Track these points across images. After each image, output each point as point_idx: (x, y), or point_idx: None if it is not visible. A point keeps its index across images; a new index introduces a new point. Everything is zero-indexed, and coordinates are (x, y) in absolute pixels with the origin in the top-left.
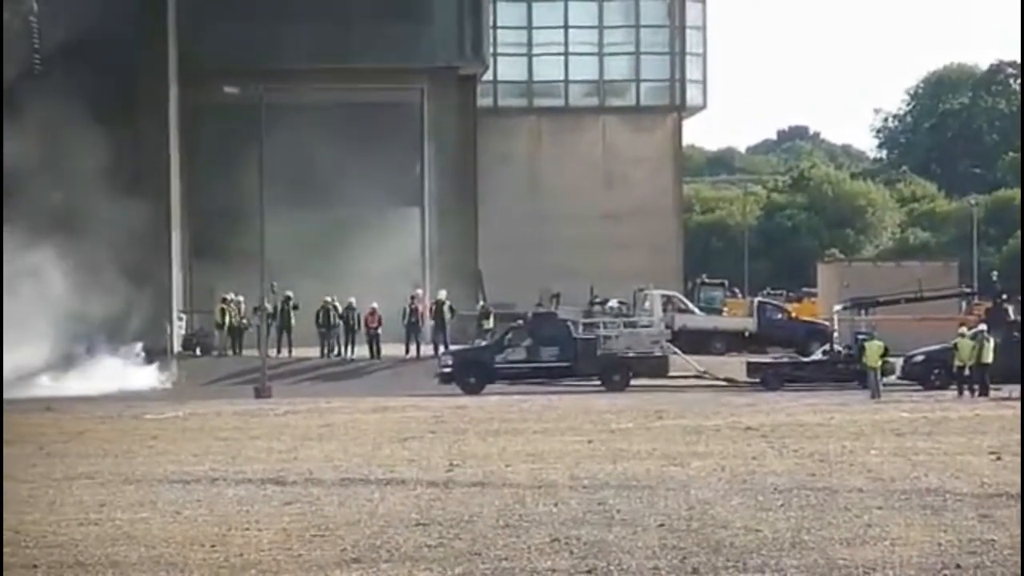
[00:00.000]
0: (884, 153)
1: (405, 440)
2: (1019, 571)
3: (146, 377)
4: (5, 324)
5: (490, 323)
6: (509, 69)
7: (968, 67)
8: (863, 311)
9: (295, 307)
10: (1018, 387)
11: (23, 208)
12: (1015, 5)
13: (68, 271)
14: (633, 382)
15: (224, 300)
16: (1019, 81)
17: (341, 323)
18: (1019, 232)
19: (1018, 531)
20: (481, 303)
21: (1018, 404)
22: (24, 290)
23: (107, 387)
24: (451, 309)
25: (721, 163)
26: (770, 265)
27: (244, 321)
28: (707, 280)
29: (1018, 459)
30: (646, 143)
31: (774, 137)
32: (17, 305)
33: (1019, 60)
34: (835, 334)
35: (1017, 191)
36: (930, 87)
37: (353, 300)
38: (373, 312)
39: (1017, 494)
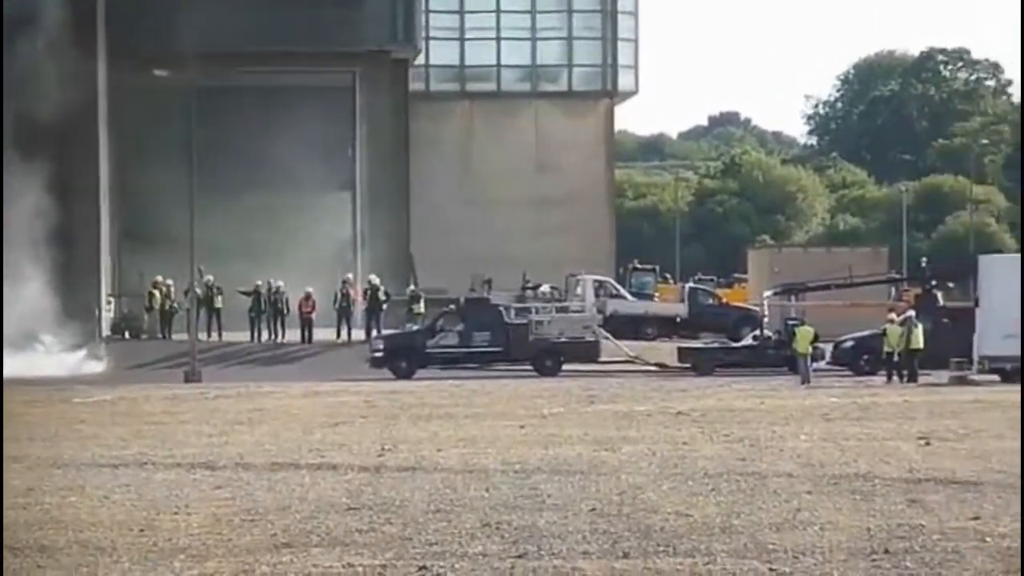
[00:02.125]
0: (815, 140)
1: (336, 425)
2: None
3: (75, 361)
4: None
5: (420, 307)
6: (441, 53)
7: (899, 54)
8: (793, 297)
9: (219, 292)
10: (946, 372)
11: None
12: None
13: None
14: (565, 367)
15: (154, 284)
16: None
17: (271, 307)
18: (948, 218)
19: (947, 516)
20: (411, 287)
21: (946, 390)
22: None
23: (36, 371)
24: (386, 293)
25: (653, 149)
26: (701, 251)
27: (174, 305)
28: (638, 266)
29: (947, 445)
30: (578, 128)
31: (705, 123)
32: None
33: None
34: (765, 320)
35: (946, 177)
36: (861, 74)
37: (281, 284)
38: (307, 297)
39: (946, 479)
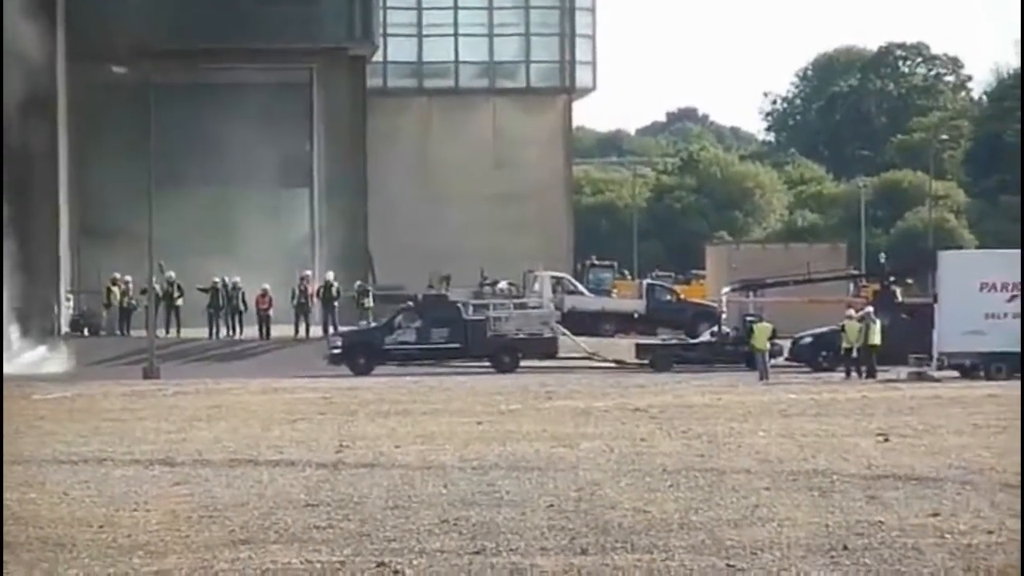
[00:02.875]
0: (773, 136)
1: (294, 421)
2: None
3: (34, 357)
4: None
5: (370, 302)
6: (399, 50)
7: (857, 49)
8: (751, 293)
9: (180, 289)
10: (904, 368)
11: None
12: None
13: None
14: (523, 364)
15: (112, 280)
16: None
17: (228, 304)
18: (907, 215)
19: (906, 513)
20: (358, 282)
21: (905, 386)
22: None
23: None
24: (337, 291)
25: (611, 145)
26: (659, 247)
27: (132, 301)
28: (596, 262)
29: (905, 441)
30: (536, 124)
31: (663, 119)
32: None
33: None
34: (723, 316)
35: (905, 173)
36: (819, 69)
37: (238, 280)
38: (264, 293)
39: (905, 475)
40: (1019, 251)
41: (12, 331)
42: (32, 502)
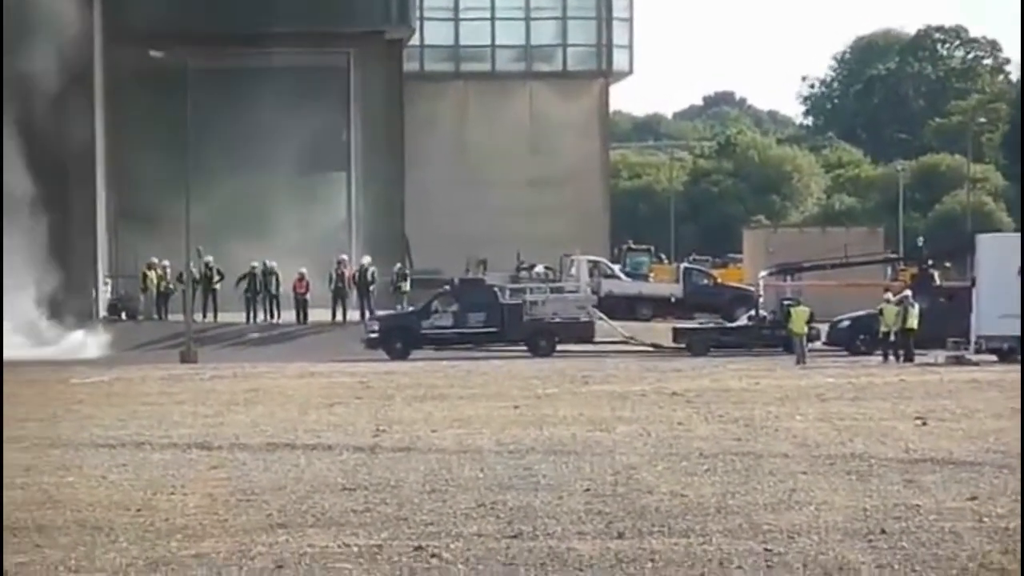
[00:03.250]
0: (810, 119)
1: (331, 405)
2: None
3: (71, 342)
4: None
5: (407, 286)
6: (436, 33)
7: (895, 32)
8: (789, 277)
9: (220, 274)
10: (942, 352)
11: None
12: None
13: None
14: (559, 348)
15: (149, 265)
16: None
17: (265, 288)
18: (946, 198)
19: (944, 496)
20: (398, 266)
21: (942, 370)
22: None
23: (33, 352)
24: (372, 275)
25: (647, 129)
26: (696, 231)
27: (170, 286)
28: (633, 246)
29: (943, 425)
30: (573, 108)
31: (700, 103)
32: None
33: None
34: (761, 300)
35: (943, 156)
36: (857, 53)
37: (274, 264)
38: (301, 278)
39: (943, 459)
40: None
41: (40, 316)
42: (70, 485)
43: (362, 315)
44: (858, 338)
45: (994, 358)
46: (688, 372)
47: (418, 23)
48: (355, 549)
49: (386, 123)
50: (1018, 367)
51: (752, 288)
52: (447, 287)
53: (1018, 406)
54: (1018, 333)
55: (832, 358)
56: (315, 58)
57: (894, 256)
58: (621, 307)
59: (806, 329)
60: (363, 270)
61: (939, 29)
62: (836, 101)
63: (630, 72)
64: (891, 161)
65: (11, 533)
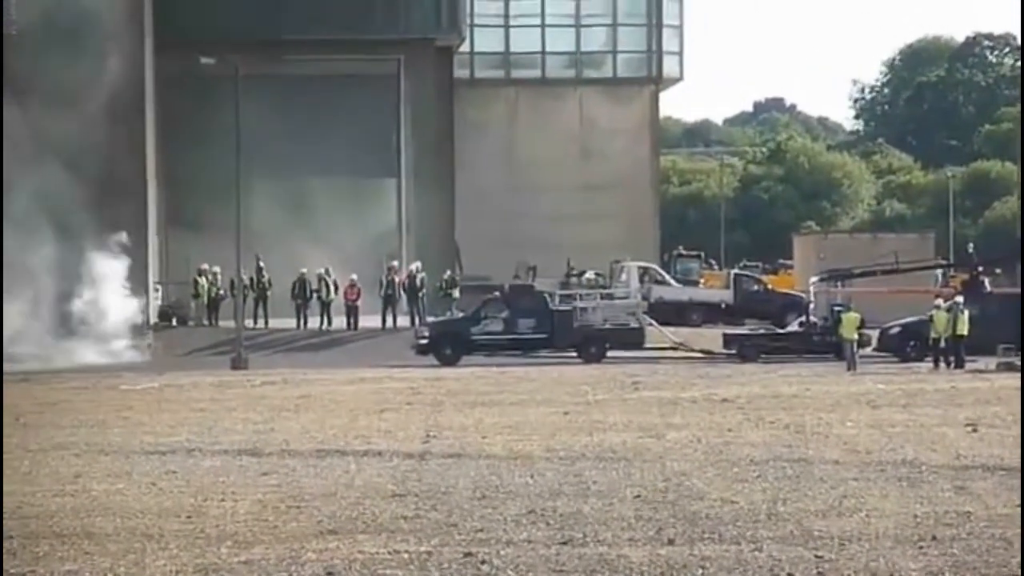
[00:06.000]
0: (860, 125)
1: (382, 411)
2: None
3: (121, 347)
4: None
5: (456, 293)
6: (486, 40)
7: (944, 39)
8: (839, 283)
9: (269, 283)
10: (992, 359)
11: None
12: None
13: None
14: (609, 354)
15: (199, 271)
16: (995, 53)
17: (315, 294)
18: (996, 204)
19: (995, 503)
20: (447, 273)
21: (994, 376)
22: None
23: (83, 358)
24: (422, 281)
25: (698, 135)
26: (746, 237)
27: (220, 292)
28: (683, 252)
29: (994, 431)
30: (623, 115)
31: (750, 109)
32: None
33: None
34: (811, 306)
35: (993, 163)
36: (907, 59)
37: (323, 271)
38: (352, 284)
39: (994, 466)
40: None
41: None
42: (120, 492)
43: (412, 321)
44: (908, 344)
45: None
46: (738, 378)
47: (468, 30)
48: (405, 556)
49: (436, 129)
50: None
51: (803, 294)
52: (497, 293)
53: None
54: None
55: (882, 364)
56: (365, 65)
57: (944, 262)
58: (671, 313)
59: (856, 335)
60: (413, 276)
61: (988, 36)
62: (886, 107)
63: (680, 78)
64: (941, 167)
65: (60, 541)
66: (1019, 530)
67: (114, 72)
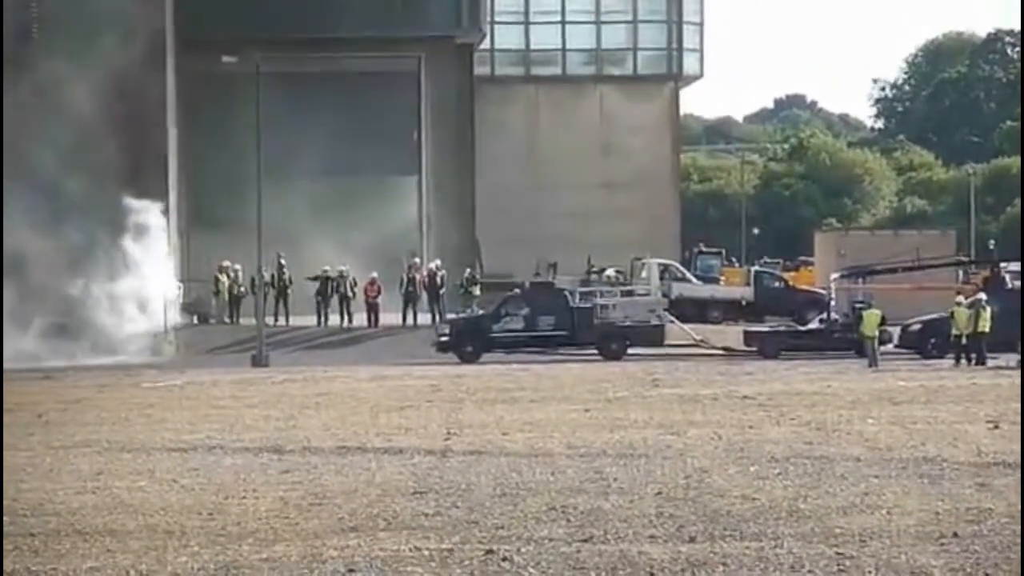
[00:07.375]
0: (881, 122)
1: (402, 409)
2: (1019, 539)
3: (142, 345)
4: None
5: (477, 291)
6: (506, 38)
7: (966, 36)
8: (860, 280)
9: (290, 280)
10: (1016, 356)
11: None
12: None
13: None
14: (630, 351)
15: (220, 268)
16: (1017, 50)
17: (336, 292)
18: (1017, 201)
19: (1016, 499)
20: (468, 271)
21: (1016, 373)
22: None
23: (104, 355)
24: (442, 278)
25: (718, 132)
26: (767, 234)
27: (241, 289)
28: (704, 249)
29: (1016, 428)
30: (643, 112)
31: (771, 106)
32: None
33: (1020, 30)
34: (832, 303)
35: (1015, 160)
36: (928, 56)
37: (344, 268)
38: (373, 282)
39: (1015, 463)
40: None
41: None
42: (141, 490)
43: (433, 318)
44: (930, 341)
45: None
46: (759, 375)
47: (488, 27)
48: (426, 553)
49: (457, 127)
50: None
51: (823, 291)
52: (517, 290)
53: None
54: None
55: (904, 361)
56: (385, 62)
57: (966, 259)
58: (692, 310)
59: (877, 332)
60: (433, 273)
61: (1009, 33)
62: (907, 104)
63: (700, 75)
64: (962, 164)
65: (82, 538)
66: None
67: (136, 71)
